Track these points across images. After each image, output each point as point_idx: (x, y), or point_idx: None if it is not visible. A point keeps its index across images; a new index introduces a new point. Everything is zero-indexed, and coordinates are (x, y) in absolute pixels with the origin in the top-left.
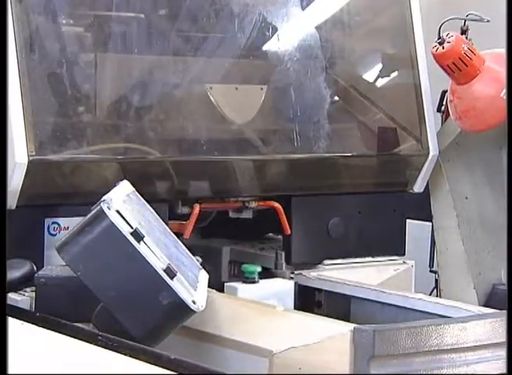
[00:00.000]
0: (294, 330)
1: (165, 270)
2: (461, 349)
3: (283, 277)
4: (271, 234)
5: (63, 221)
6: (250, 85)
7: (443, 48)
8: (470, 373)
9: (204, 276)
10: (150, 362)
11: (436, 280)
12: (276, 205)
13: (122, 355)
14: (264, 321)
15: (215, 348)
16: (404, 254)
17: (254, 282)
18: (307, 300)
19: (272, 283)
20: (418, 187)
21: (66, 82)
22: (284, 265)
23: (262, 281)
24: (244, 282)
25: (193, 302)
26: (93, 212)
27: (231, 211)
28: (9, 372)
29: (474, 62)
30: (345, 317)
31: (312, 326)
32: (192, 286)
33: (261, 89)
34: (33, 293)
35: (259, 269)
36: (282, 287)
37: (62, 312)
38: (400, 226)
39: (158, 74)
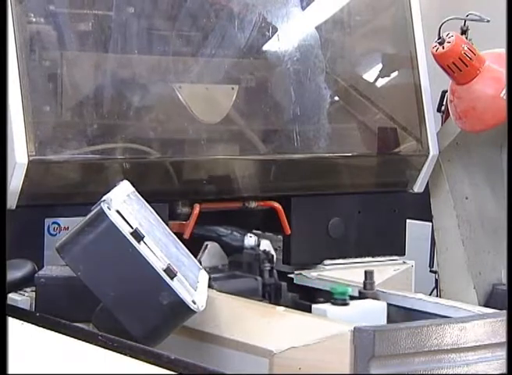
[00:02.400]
0: (294, 330)
1: (165, 270)
2: (461, 349)
3: (374, 298)
4: (270, 234)
5: (63, 221)
6: (221, 85)
7: (443, 48)
8: (470, 373)
9: (204, 276)
10: (150, 362)
11: (436, 280)
12: (276, 205)
13: (122, 355)
14: (264, 321)
15: (215, 348)
16: (404, 254)
17: (344, 304)
18: (308, 300)
19: (363, 305)
20: (418, 187)
21: (66, 82)
22: (374, 284)
23: (352, 303)
24: (333, 304)
25: (193, 302)
26: (93, 212)
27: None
28: (9, 372)
29: (474, 62)
30: None
31: (312, 326)
32: (192, 286)
33: (232, 89)
34: (33, 293)
35: (350, 290)
36: (373, 309)
37: (62, 312)
38: (400, 226)
39: (157, 74)
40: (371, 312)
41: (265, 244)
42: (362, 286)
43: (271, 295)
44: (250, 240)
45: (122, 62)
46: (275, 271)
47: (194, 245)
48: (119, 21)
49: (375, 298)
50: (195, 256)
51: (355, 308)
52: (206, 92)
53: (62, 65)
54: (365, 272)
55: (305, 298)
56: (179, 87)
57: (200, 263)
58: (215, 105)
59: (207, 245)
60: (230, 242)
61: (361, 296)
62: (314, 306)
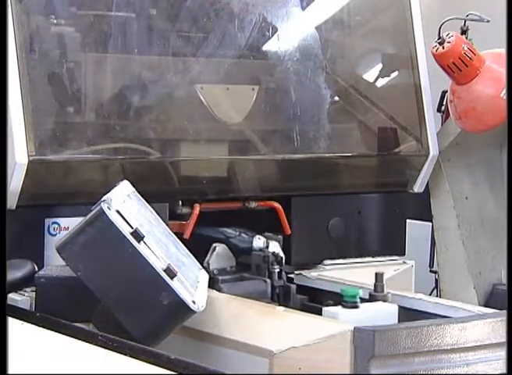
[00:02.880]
0: (294, 330)
1: (165, 270)
2: (461, 349)
3: (384, 300)
4: (270, 234)
5: (63, 221)
6: (242, 85)
7: (443, 48)
8: (470, 373)
9: (204, 276)
10: (150, 362)
11: (436, 280)
12: (276, 205)
13: (122, 355)
14: (265, 321)
15: (215, 348)
16: (404, 254)
17: (355, 307)
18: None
19: (373, 307)
20: (418, 187)
21: (66, 82)
22: (385, 287)
23: (363, 305)
24: (344, 306)
25: (193, 302)
26: (93, 212)
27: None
28: (9, 372)
29: (474, 62)
30: None
31: (312, 326)
32: (192, 286)
33: (253, 89)
34: (33, 293)
35: (361, 292)
36: (385, 311)
37: (62, 312)
38: (400, 226)
39: (159, 74)
40: (382, 315)
41: (274, 246)
42: (372, 288)
43: (280, 297)
44: (258, 241)
45: (122, 61)
46: (284, 273)
47: (202, 246)
48: (121, 21)
49: (386, 300)
50: (202, 257)
51: (366, 310)
52: (227, 93)
53: (62, 65)
54: (376, 274)
55: (314, 300)
56: (201, 87)
57: (209, 265)
58: (236, 105)
59: (215, 247)
60: (238, 244)
61: (372, 298)
62: (324, 309)
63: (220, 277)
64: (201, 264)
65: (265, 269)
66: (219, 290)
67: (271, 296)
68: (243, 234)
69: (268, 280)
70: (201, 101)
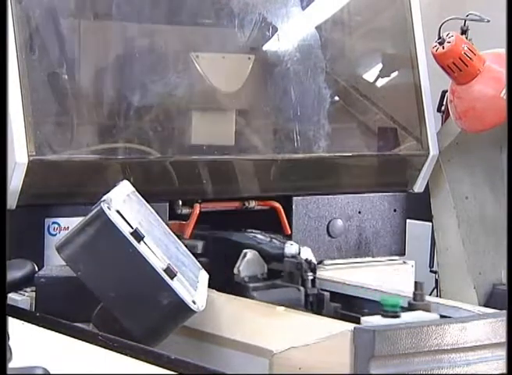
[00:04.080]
0: (294, 330)
1: (165, 270)
2: (461, 349)
3: (425, 310)
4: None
5: (63, 221)
6: (237, 54)
7: (443, 48)
8: (470, 373)
9: (204, 276)
10: (150, 362)
11: (436, 280)
12: (276, 205)
13: (122, 355)
14: (264, 321)
15: (215, 348)
16: (404, 254)
17: (395, 316)
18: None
19: (414, 317)
20: (418, 187)
21: (66, 82)
22: (425, 296)
23: (404, 315)
24: (384, 316)
25: (193, 302)
26: (93, 212)
27: None
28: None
29: (474, 62)
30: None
31: (312, 326)
32: (192, 286)
33: (249, 58)
34: (33, 293)
35: (401, 301)
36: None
37: (62, 312)
38: (400, 226)
39: (161, 72)
40: None
41: (306, 253)
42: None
43: (313, 305)
44: (290, 248)
45: (124, 62)
46: (317, 280)
47: (231, 252)
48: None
49: (427, 309)
50: (233, 264)
51: (407, 320)
52: (223, 61)
53: (62, 65)
54: (415, 283)
55: (346, 308)
56: (197, 56)
57: (239, 272)
58: (232, 74)
59: (246, 253)
60: (269, 250)
61: (412, 307)
62: (363, 319)
63: (251, 285)
64: (231, 271)
65: (298, 276)
66: (251, 297)
67: (304, 304)
68: (274, 240)
69: (302, 288)
70: (197, 70)
